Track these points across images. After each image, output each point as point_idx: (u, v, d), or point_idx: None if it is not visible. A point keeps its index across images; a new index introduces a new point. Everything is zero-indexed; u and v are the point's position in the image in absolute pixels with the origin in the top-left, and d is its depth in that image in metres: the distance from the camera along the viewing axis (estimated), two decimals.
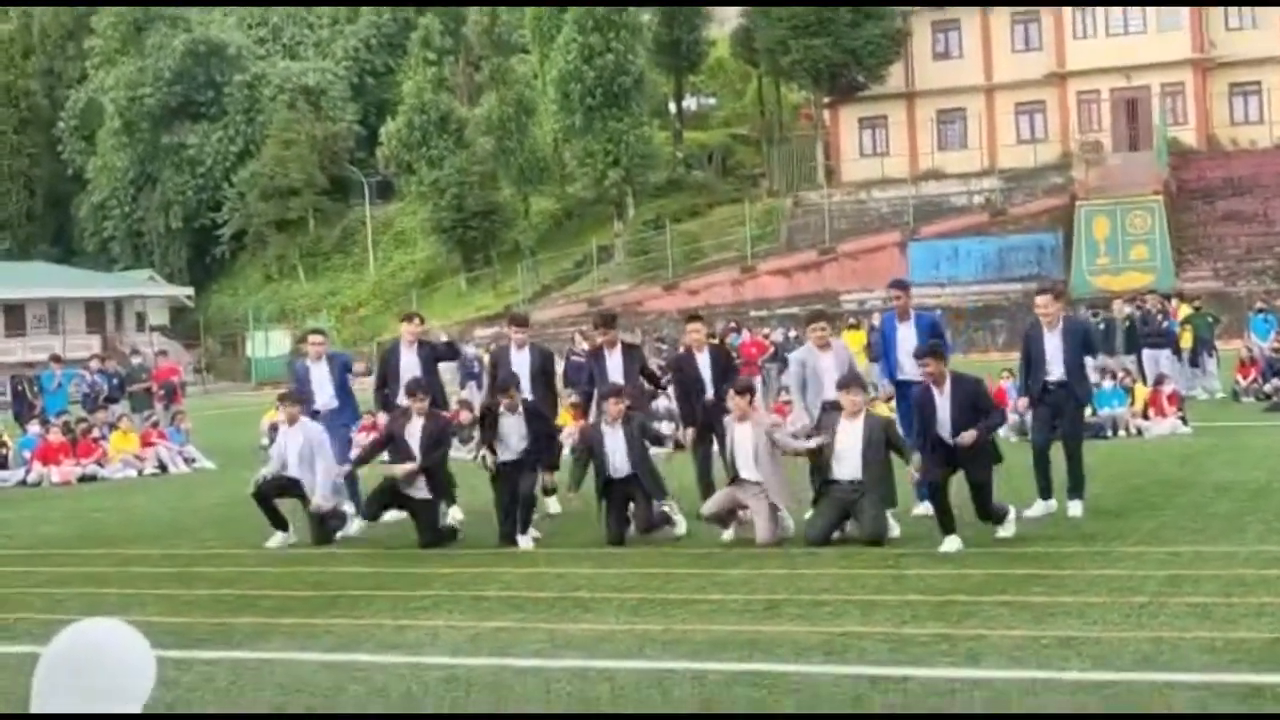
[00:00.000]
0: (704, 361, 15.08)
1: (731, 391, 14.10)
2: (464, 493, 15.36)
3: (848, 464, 13.43)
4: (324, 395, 16.35)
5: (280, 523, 15.06)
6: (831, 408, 13.88)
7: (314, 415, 15.94)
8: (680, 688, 8.50)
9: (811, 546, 13.23)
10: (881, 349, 15.44)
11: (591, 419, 15.82)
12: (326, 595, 12.09)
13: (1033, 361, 14.75)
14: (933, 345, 13.69)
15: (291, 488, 15.04)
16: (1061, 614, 9.86)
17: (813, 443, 13.68)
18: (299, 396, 15.80)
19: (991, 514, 13.14)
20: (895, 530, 13.48)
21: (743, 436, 13.78)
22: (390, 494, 14.59)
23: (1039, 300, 15.21)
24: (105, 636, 3.76)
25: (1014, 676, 8.35)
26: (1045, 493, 14.39)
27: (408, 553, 14.15)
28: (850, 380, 13.79)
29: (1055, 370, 14.50)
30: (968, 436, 12.80)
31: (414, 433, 14.46)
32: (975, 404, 13.15)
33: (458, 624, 10.63)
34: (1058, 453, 14.45)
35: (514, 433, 14.44)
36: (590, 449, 14.32)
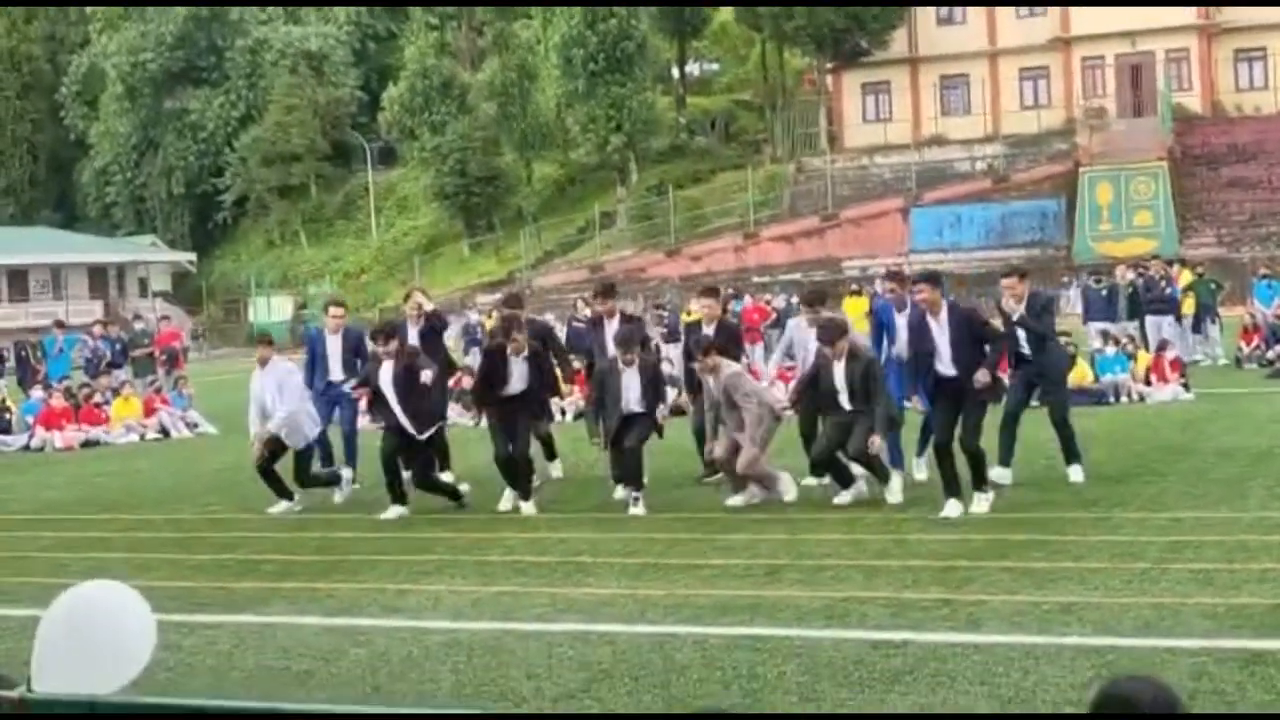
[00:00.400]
0: (711, 334, 15.08)
1: (702, 354, 14.23)
2: (462, 460, 15.39)
3: (842, 398, 13.60)
4: (335, 367, 16.36)
5: (285, 492, 15.07)
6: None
7: (326, 386, 16.07)
8: (681, 652, 8.52)
9: (816, 463, 13.71)
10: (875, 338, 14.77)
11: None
12: (329, 560, 12.12)
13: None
14: (929, 271, 13.75)
15: (281, 449, 15.05)
16: (1062, 579, 9.88)
17: (778, 404, 13.86)
18: (272, 339, 15.97)
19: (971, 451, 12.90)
20: (896, 495, 13.48)
21: (710, 390, 14.18)
22: (392, 462, 14.54)
23: (1005, 282, 14.64)
24: (106, 599, 3.77)
25: (1014, 641, 8.36)
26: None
27: (410, 517, 14.16)
28: (832, 331, 13.94)
29: (1025, 349, 14.27)
30: (982, 376, 12.68)
31: (386, 377, 14.42)
32: (973, 332, 12.92)
33: (460, 588, 10.66)
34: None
35: (517, 374, 14.41)
36: (603, 389, 14.27)
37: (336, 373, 16.33)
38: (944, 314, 12.96)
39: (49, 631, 3.64)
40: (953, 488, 12.67)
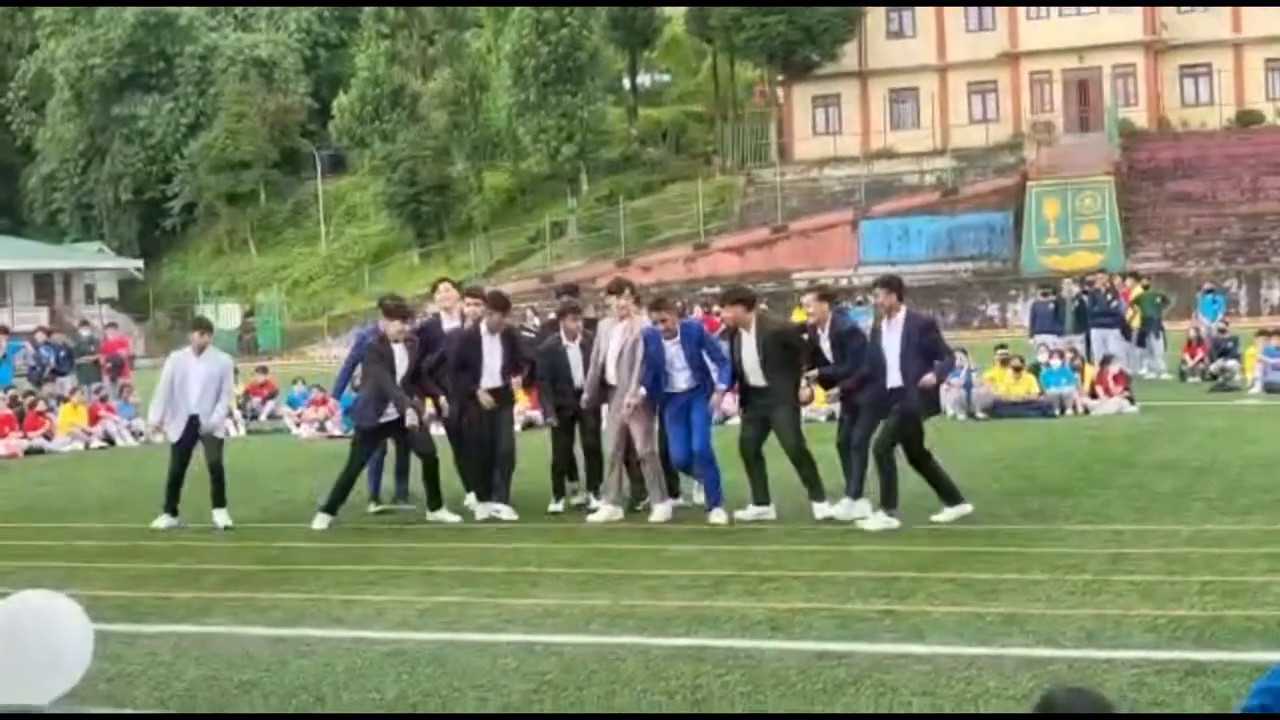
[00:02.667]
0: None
1: (615, 290, 14.14)
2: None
3: (753, 375, 13.49)
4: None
5: (175, 508, 14.79)
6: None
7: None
8: (626, 662, 8.53)
9: (743, 456, 13.50)
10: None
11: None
12: (272, 570, 12.06)
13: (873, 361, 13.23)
14: (888, 276, 13.76)
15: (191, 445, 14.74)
16: (1005, 591, 9.94)
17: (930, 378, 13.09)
18: (211, 325, 15.45)
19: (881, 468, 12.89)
20: (833, 509, 13.38)
21: (616, 336, 13.83)
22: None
23: (803, 299, 14.45)
24: (41, 608, 3.74)
25: (957, 652, 8.41)
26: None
27: (356, 527, 14.12)
28: (731, 294, 14.06)
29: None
30: (929, 379, 12.73)
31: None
32: (923, 342, 12.90)
33: (405, 599, 10.63)
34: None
35: (495, 355, 14.28)
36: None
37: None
38: (900, 318, 12.98)
39: None
40: (891, 496, 12.82)
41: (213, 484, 14.61)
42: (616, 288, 14.33)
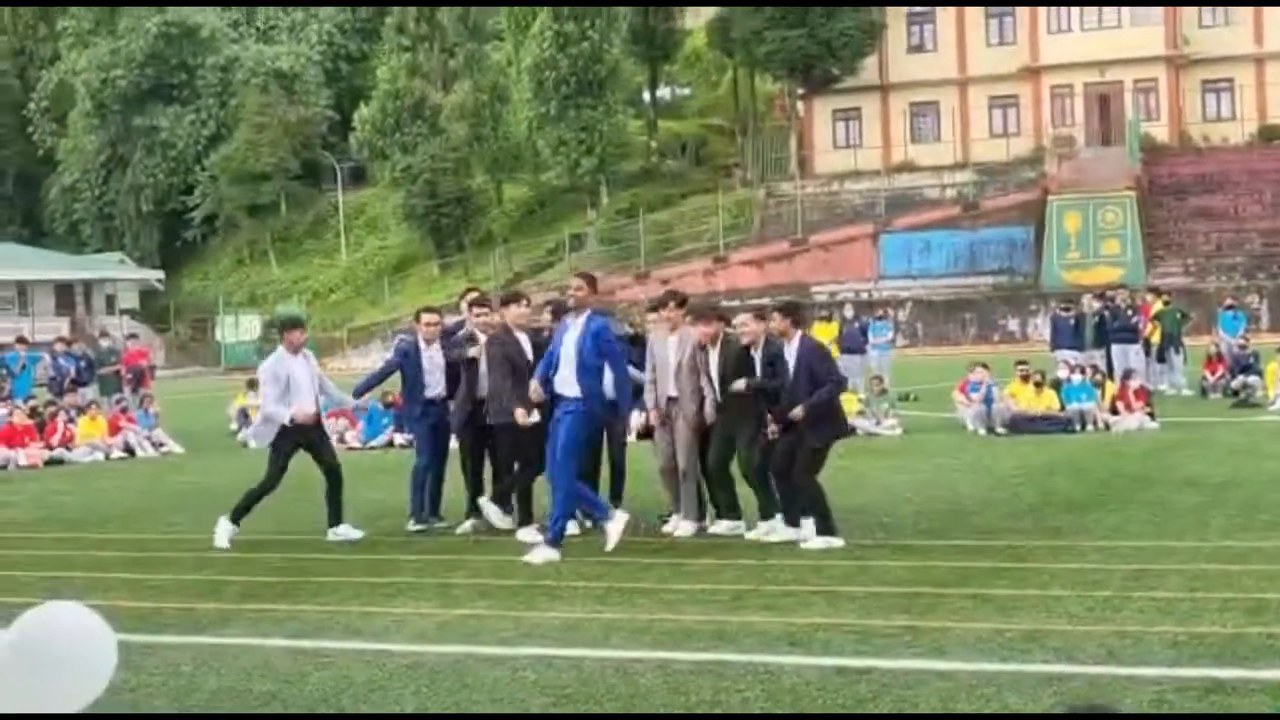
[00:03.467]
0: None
1: (667, 303, 14.01)
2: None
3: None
4: (433, 382, 14.91)
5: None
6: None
7: (425, 406, 14.91)
8: (645, 677, 8.51)
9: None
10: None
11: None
12: (292, 581, 12.06)
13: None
14: (786, 302, 13.75)
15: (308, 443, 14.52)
16: (1026, 607, 9.90)
17: (741, 384, 13.25)
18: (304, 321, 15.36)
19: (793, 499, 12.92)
20: (789, 533, 13.13)
21: (670, 348, 13.67)
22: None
23: (737, 319, 13.97)
24: (65, 620, 3.75)
25: (977, 669, 8.37)
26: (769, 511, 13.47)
27: (375, 539, 14.13)
28: (664, 299, 14.04)
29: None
30: (797, 413, 12.63)
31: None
32: (812, 365, 12.82)
33: (424, 611, 10.62)
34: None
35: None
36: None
37: (435, 388, 14.76)
38: (796, 342, 12.96)
39: (6, 653, 3.62)
40: (769, 505, 13.09)
41: (332, 495, 14.46)
42: (662, 301, 14.23)
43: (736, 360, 13.35)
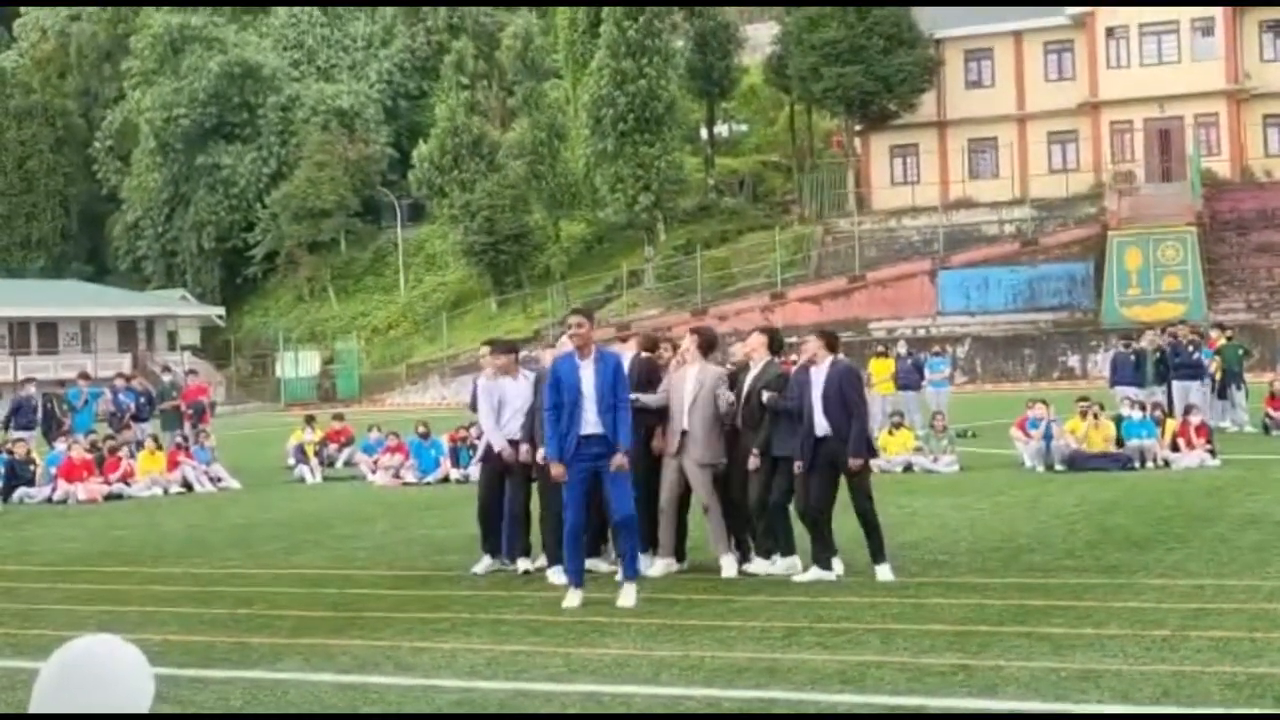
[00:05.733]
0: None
1: (688, 334, 13.96)
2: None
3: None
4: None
5: (494, 546, 14.16)
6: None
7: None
8: (696, 715, 8.45)
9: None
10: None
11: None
12: (344, 616, 12.07)
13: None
14: (823, 330, 13.74)
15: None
16: (1082, 646, 9.78)
17: (767, 395, 13.26)
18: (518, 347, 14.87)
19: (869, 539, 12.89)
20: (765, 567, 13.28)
21: (688, 382, 13.56)
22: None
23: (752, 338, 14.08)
24: (101, 653, 3.74)
25: (1032, 708, 8.27)
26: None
27: (426, 574, 14.12)
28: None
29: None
30: (855, 464, 12.69)
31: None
32: (842, 388, 12.81)
33: (474, 647, 10.60)
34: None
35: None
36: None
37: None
38: (825, 365, 12.93)
39: (43, 685, 3.62)
40: (787, 545, 13.14)
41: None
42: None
43: (775, 382, 13.33)
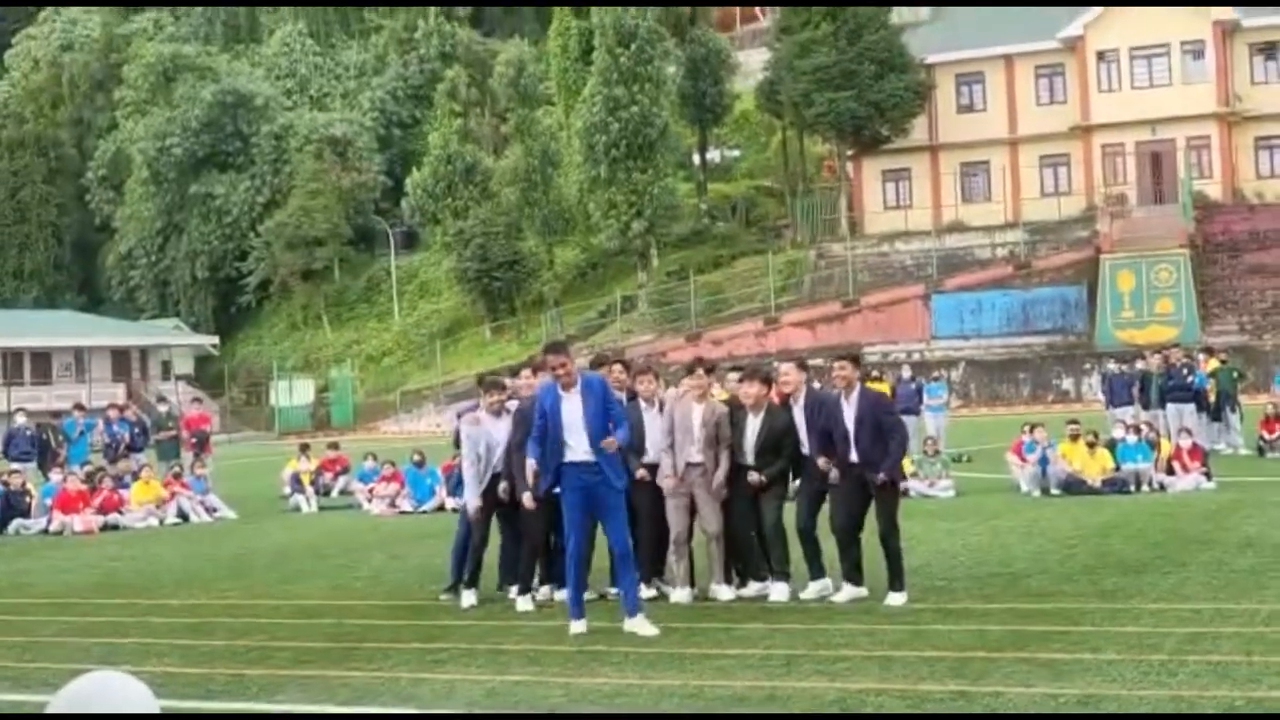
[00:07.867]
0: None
1: (697, 370, 13.98)
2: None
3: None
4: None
5: (475, 580, 14.04)
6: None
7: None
8: None
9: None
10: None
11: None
12: (342, 647, 12.06)
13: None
14: (851, 351, 13.88)
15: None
16: (1080, 671, 9.79)
17: (755, 476, 13.40)
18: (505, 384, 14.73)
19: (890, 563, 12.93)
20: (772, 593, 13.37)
21: (696, 415, 13.55)
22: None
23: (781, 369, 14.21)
24: (109, 689, 3.76)
25: None
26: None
27: (426, 604, 14.11)
28: (750, 372, 14.01)
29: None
30: (882, 478, 12.79)
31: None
32: (876, 415, 12.94)
33: (475, 677, 10.59)
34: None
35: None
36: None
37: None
38: (855, 395, 13.03)
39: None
40: (816, 567, 13.20)
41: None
42: (690, 368, 14.24)
43: (783, 430, 13.38)
